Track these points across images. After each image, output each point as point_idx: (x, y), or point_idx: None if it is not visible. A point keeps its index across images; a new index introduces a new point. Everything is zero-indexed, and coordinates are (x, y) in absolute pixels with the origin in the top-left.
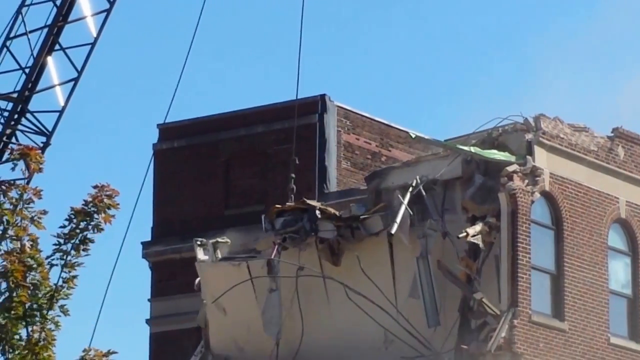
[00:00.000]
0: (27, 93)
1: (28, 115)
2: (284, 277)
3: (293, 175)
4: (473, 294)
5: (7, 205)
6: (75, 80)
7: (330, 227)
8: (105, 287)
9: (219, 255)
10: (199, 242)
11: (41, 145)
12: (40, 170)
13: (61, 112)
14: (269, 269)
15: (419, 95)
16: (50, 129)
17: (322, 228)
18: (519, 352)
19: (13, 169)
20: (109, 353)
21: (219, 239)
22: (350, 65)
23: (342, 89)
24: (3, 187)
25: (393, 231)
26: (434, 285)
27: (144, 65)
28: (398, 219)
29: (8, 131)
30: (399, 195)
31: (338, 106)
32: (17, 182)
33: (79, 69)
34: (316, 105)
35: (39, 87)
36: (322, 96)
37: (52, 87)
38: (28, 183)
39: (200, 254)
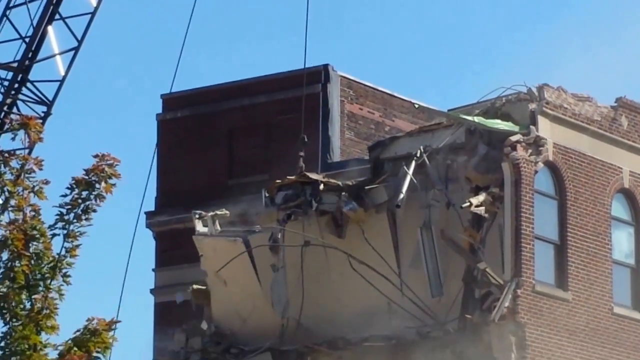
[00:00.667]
0: (27, 63)
1: (29, 85)
2: (288, 246)
3: (302, 154)
4: (477, 264)
5: (8, 176)
6: (76, 49)
7: (333, 199)
8: (108, 256)
9: (218, 228)
10: (197, 215)
11: (42, 114)
12: (40, 140)
13: (62, 81)
14: (273, 245)
15: (422, 65)
16: (50, 99)
17: (325, 201)
18: (523, 321)
19: (13, 138)
20: (112, 322)
21: (218, 212)
22: (354, 35)
23: (346, 58)
24: (4, 156)
25: (399, 202)
26: (437, 255)
27: (147, 35)
28: (404, 190)
29: (9, 101)
30: (404, 166)
31: (341, 76)
32: (18, 152)
33: (79, 38)
34: (319, 75)
35: (39, 57)
36: (326, 66)
37: (53, 56)
38: (30, 153)
39: (199, 227)
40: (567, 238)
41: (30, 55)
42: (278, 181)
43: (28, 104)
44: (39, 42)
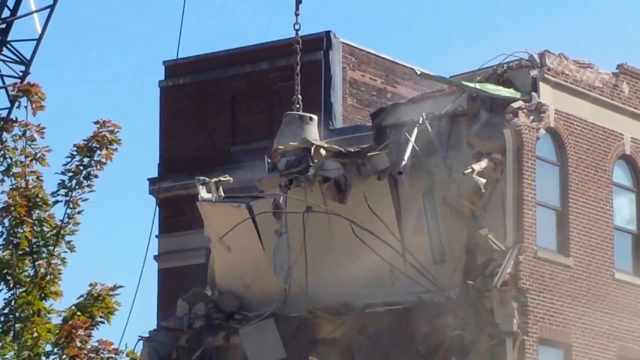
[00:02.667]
0: (3, 22)
1: (8, 45)
2: (290, 213)
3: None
4: (478, 230)
5: (10, 143)
6: (51, 7)
7: (336, 165)
8: (111, 222)
9: (222, 194)
10: (201, 181)
11: (21, 74)
12: (42, 107)
13: (39, 40)
14: (275, 211)
15: (424, 31)
16: (28, 58)
17: (327, 167)
18: (524, 287)
19: (18, 106)
20: (115, 287)
21: (222, 178)
22: (356, 2)
23: (348, 25)
24: (6, 123)
25: (402, 168)
26: (439, 222)
27: (150, 2)
28: (406, 157)
29: None
30: (406, 133)
31: (343, 43)
32: (19, 120)
33: None
34: (321, 42)
35: (17, 15)
36: (327, 33)
37: (30, 14)
38: (34, 114)
39: (203, 193)
40: (569, 204)
41: (9, 15)
42: (280, 147)
43: (8, 64)
44: (17, 1)
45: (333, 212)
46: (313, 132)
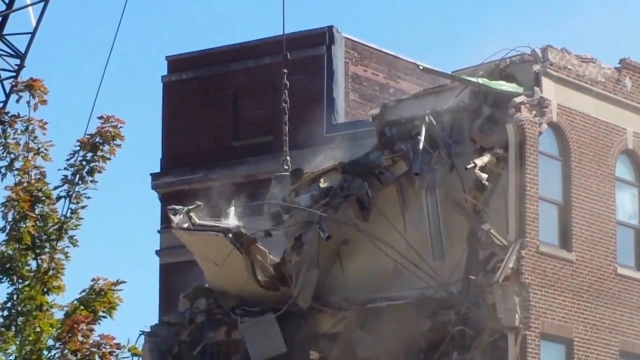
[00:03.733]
0: None
1: (3, 39)
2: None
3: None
4: (480, 225)
5: (12, 138)
6: (46, 0)
7: (358, 182)
8: (115, 218)
9: (196, 221)
10: (172, 211)
11: (15, 67)
12: (45, 102)
13: (33, 33)
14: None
15: (426, 26)
16: (23, 51)
17: (353, 185)
18: (527, 282)
19: (18, 100)
20: (117, 282)
21: (191, 206)
22: None
23: (350, 20)
24: (9, 118)
25: (417, 170)
26: (439, 218)
27: None
28: (419, 159)
29: None
30: (418, 135)
31: (345, 38)
32: (22, 115)
33: None
34: (324, 37)
35: (13, 8)
36: (330, 27)
37: (24, 7)
38: (35, 109)
39: (177, 220)
40: (571, 199)
41: (4, 9)
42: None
43: (3, 57)
44: None
45: (341, 219)
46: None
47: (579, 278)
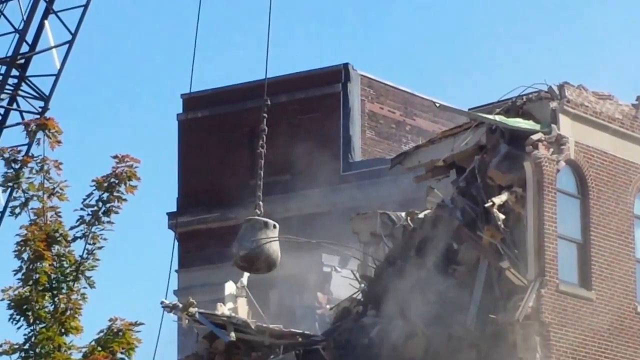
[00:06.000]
0: (20, 57)
1: (27, 81)
2: None
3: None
4: (499, 263)
5: (25, 178)
6: (70, 42)
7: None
8: (131, 258)
9: (193, 312)
10: (168, 309)
11: (40, 109)
12: (59, 142)
13: (57, 75)
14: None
15: (443, 64)
16: (47, 93)
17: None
18: (547, 321)
19: (38, 143)
20: (136, 324)
21: (186, 303)
22: (374, 34)
23: (366, 57)
24: (22, 158)
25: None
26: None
27: (165, 35)
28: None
29: (3, 96)
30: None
31: (362, 75)
32: (36, 155)
33: (73, 31)
34: (340, 74)
35: (36, 50)
36: (346, 65)
37: (48, 49)
38: (52, 149)
39: (175, 313)
40: (590, 237)
41: (27, 50)
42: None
43: (27, 99)
44: (36, 36)
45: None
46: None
47: (599, 317)
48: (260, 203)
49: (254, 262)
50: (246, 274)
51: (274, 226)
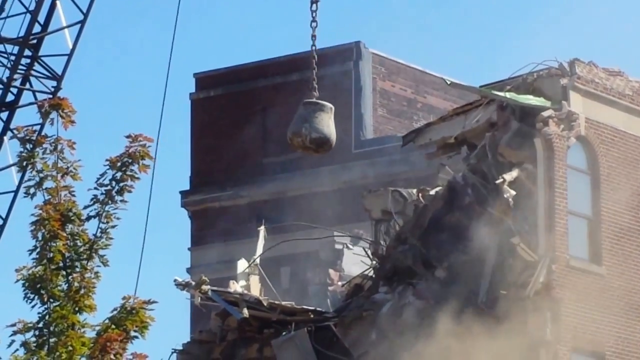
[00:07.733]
0: (33, 38)
1: (40, 61)
2: None
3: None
4: (510, 240)
5: (40, 158)
6: (82, 22)
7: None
8: (141, 234)
9: (207, 289)
10: (181, 287)
11: (52, 89)
12: (72, 122)
13: (70, 55)
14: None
15: (453, 41)
16: (60, 73)
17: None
18: (557, 297)
19: (51, 123)
20: (149, 302)
21: (198, 280)
22: (385, 12)
23: (377, 35)
24: (37, 138)
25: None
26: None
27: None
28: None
29: (16, 76)
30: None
31: (373, 53)
32: (50, 135)
33: (85, 11)
34: (351, 53)
35: (48, 30)
36: (357, 43)
37: (61, 29)
38: (65, 129)
39: (188, 291)
40: (601, 213)
41: (39, 30)
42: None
43: (40, 79)
44: (47, 16)
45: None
46: (331, 126)
47: (609, 292)
48: (316, 85)
49: (322, 145)
50: (259, 251)
51: (331, 109)
